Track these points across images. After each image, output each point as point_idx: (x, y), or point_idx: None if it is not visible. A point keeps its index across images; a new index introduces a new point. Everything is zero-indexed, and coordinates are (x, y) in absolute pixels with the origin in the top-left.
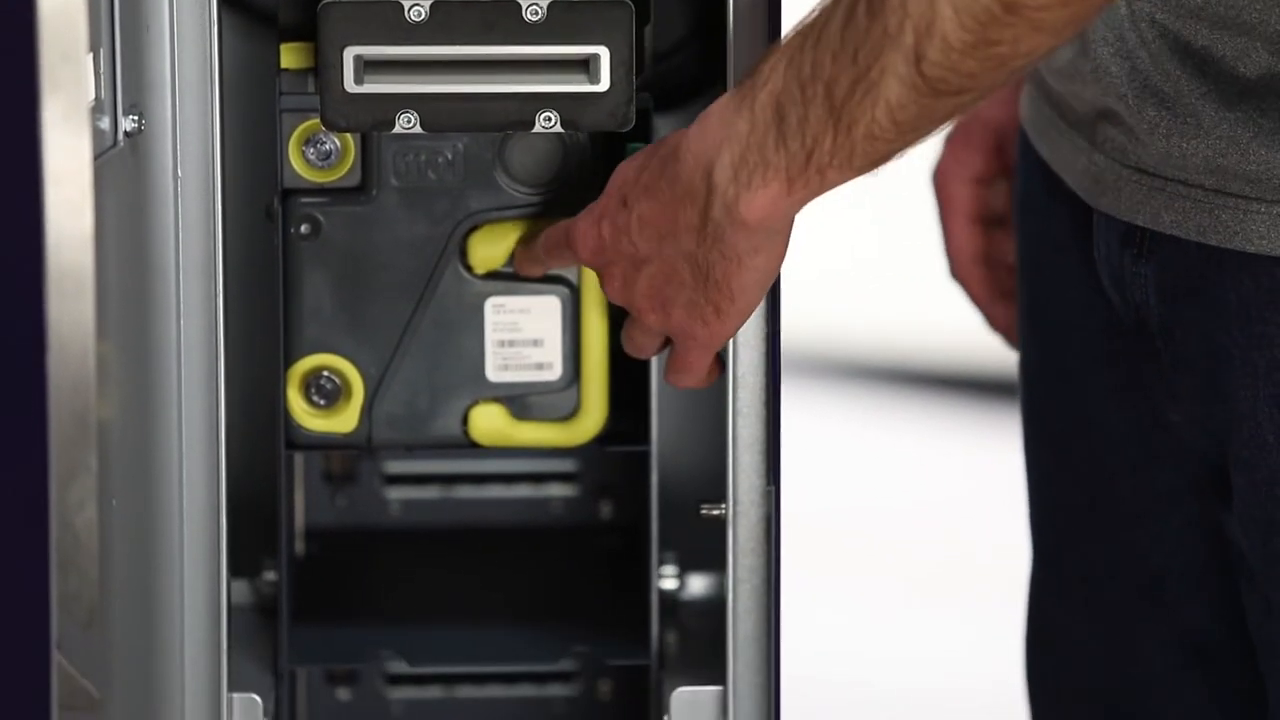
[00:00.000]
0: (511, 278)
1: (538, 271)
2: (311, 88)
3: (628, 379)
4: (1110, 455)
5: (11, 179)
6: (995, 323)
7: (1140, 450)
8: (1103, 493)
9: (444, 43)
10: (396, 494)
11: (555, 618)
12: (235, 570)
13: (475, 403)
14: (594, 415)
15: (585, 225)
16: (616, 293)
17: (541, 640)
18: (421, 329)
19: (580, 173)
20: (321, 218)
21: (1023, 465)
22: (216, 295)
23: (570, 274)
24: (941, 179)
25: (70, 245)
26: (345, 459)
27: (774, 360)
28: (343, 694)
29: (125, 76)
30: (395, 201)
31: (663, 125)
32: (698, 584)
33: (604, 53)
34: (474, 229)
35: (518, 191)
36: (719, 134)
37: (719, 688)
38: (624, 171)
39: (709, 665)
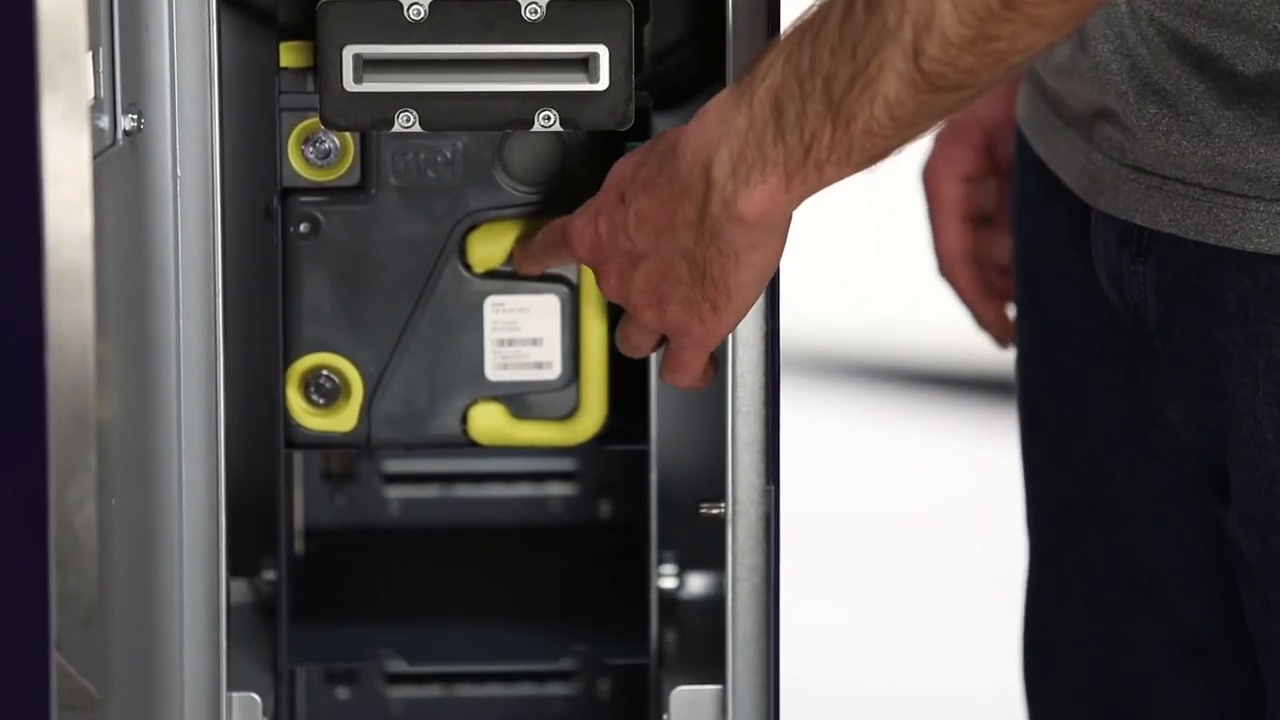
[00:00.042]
0: (511, 276)
1: (536, 270)
2: (311, 86)
3: (627, 378)
4: (1108, 454)
5: (11, 178)
6: (983, 320)
7: (1138, 448)
8: (1101, 491)
9: (443, 41)
10: (396, 493)
11: (554, 617)
12: (235, 569)
13: (474, 402)
14: (593, 414)
15: (582, 222)
16: (613, 290)
17: (541, 639)
18: (421, 328)
19: (579, 172)
20: (321, 216)
21: (1020, 464)
22: (216, 294)
23: (569, 273)
24: (931, 176)
25: (69, 244)
26: (344, 458)
27: (773, 359)
28: (342, 693)
29: (124, 75)
30: (394, 200)
31: (662, 124)
32: (697, 583)
33: (603, 52)
34: (473, 228)
35: (517, 190)
36: (717, 129)
37: (718, 687)
38: (621, 168)
39: (708, 664)
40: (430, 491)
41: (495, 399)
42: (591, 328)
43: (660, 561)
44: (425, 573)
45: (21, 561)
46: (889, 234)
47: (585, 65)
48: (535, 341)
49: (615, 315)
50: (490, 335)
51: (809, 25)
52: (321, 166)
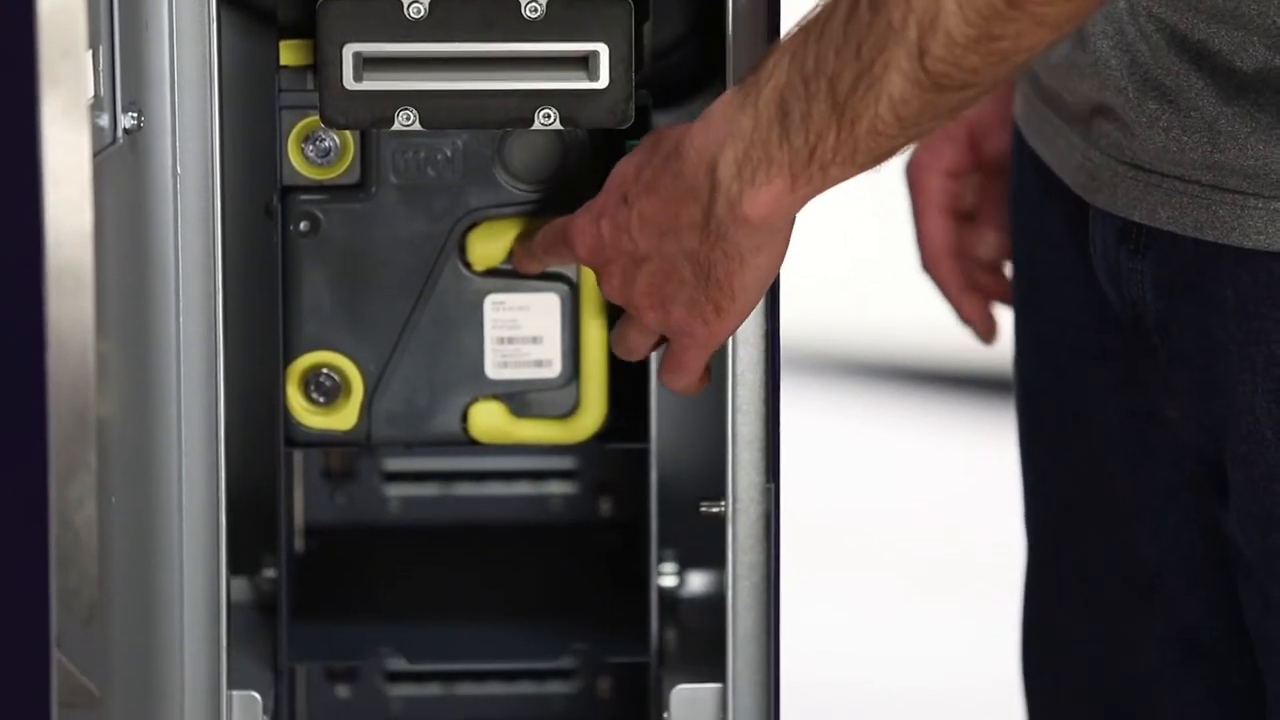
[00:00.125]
0: (511, 275)
1: (536, 269)
2: (311, 85)
3: (627, 376)
4: (1106, 452)
5: (11, 176)
6: (965, 315)
7: (1137, 447)
8: (1099, 489)
9: (443, 40)
10: (396, 491)
11: (555, 615)
12: (235, 567)
13: (475, 400)
14: (593, 412)
15: (583, 223)
16: (615, 291)
17: (541, 637)
18: (421, 326)
19: (579, 170)
20: (321, 215)
21: (1019, 463)
22: (216, 293)
23: (570, 271)
24: (915, 171)
25: (70, 242)
26: (345, 456)
27: (773, 358)
28: (342, 691)
29: (124, 73)
30: (394, 199)
31: (662, 122)
32: (697, 581)
33: (603, 50)
34: (473, 226)
35: (517, 189)
36: (722, 130)
37: (718, 685)
38: (623, 169)
39: (708, 663)
40: (430, 490)
41: (495, 397)
42: (591, 326)
43: (660, 560)
44: (425, 571)
45: (22, 559)
46: (889, 233)
47: (585, 63)
48: (535, 340)
49: (615, 314)
50: (490, 333)
51: (813, 25)
52: (321, 165)
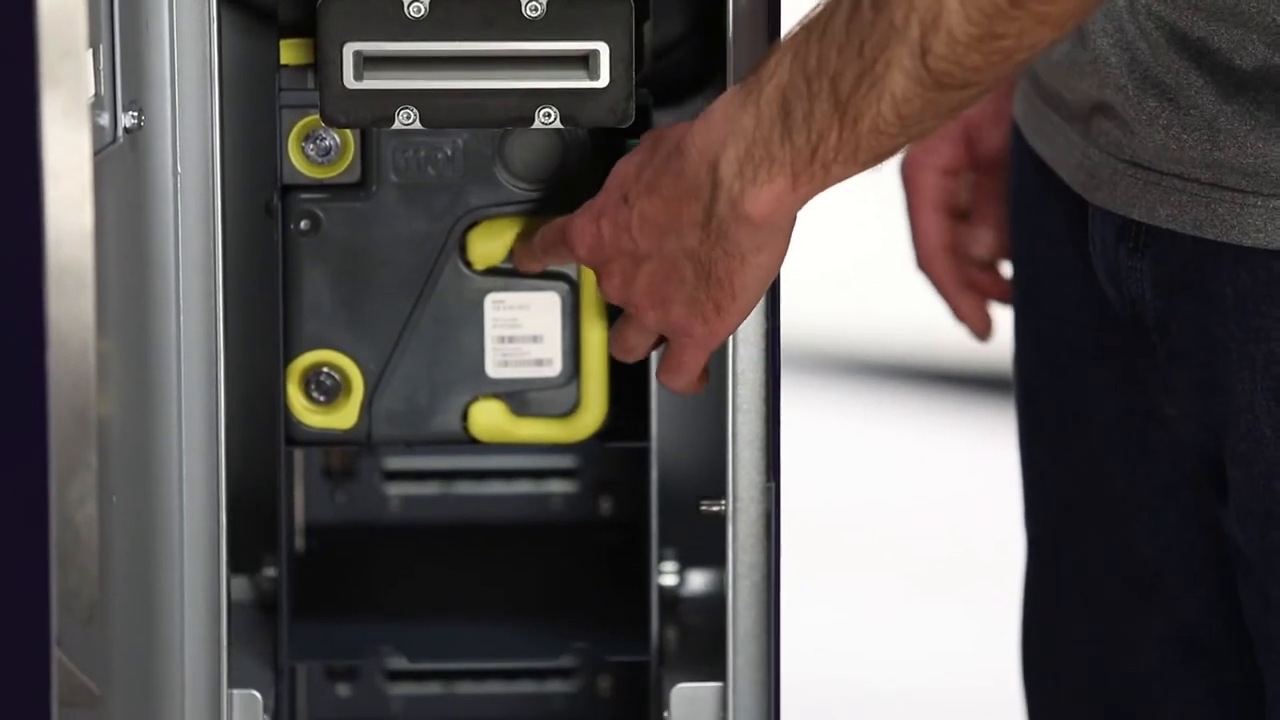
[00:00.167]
0: (511, 274)
1: (536, 268)
2: (311, 84)
3: (627, 375)
4: (1105, 450)
5: (11, 175)
6: (960, 313)
7: (1136, 445)
8: (1098, 488)
9: (443, 39)
10: (396, 490)
11: (555, 614)
12: (235, 566)
13: (475, 399)
14: (594, 411)
15: (583, 223)
16: (615, 290)
17: (541, 636)
18: (421, 325)
19: (580, 169)
20: (321, 214)
21: (1018, 461)
22: (216, 292)
23: (570, 270)
24: (910, 169)
25: (70, 241)
26: (345, 455)
27: (774, 356)
28: (342, 690)
29: (125, 73)
30: (395, 197)
31: (662, 121)
32: (697, 580)
33: (603, 49)
34: (473, 225)
35: (517, 187)
36: (724, 129)
37: (719, 684)
38: (623, 169)
39: (709, 661)
40: (431, 488)
41: (496, 396)
42: (592, 325)
43: (661, 559)
44: (426, 570)
45: (22, 559)
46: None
47: (586, 62)
48: (536, 339)
49: (616, 313)
50: (491, 332)
51: (815, 24)
52: (322, 164)
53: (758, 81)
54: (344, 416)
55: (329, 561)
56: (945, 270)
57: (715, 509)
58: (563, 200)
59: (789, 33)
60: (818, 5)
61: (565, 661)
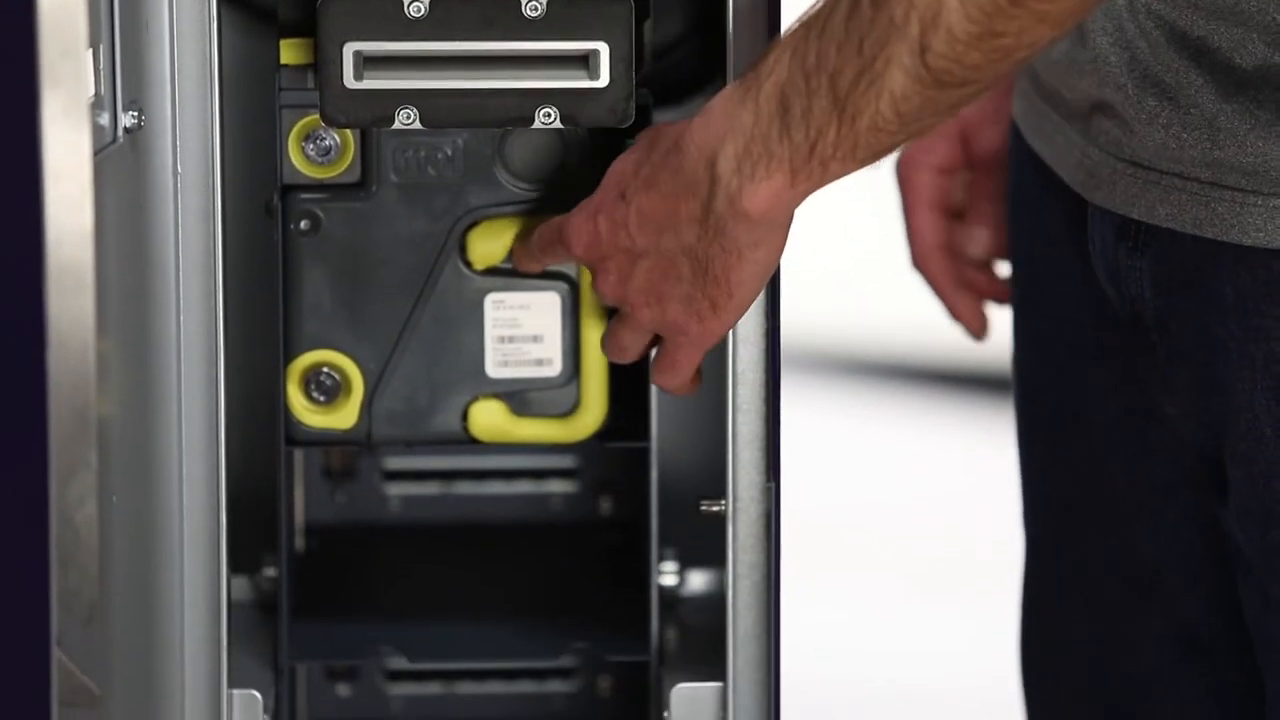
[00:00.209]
0: (511, 274)
1: (535, 268)
2: (311, 84)
3: (627, 375)
4: (1105, 449)
5: (11, 175)
6: (955, 312)
7: (1135, 444)
8: (1098, 487)
9: (444, 39)
10: (396, 490)
11: (555, 614)
12: (235, 566)
13: (475, 399)
14: (594, 411)
15: (579, 220)
16: (611, 288)
17: (541, 636)
18: (421, 325)
19: (580, 169)
20: (321, 214)
21: (1017, 461)
22: (216, 291)
23: (570, 270)
24: (905, 168)
25: (70, 241)
26: (345, 455)
27: (774, 356)
28: (343, 690)
29: (125, 72)
30: (395, 197)
31: (662, 121)
32: (697, 580)
33: (604, 48)
34: (473, 225)
35: (517, 187)
36: (723, 125)
37: (719, 684)
38: (621, 166)
39: (709, 661)
40: (431, 488)
41: (496, 396)
42: (592, 325)
43: (661, 559)
44: (426, 570)
45: (22, 559)
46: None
47: (586, 62)
48: (536, 338)
49: (616, 313)
50: (491, 332)
51: (815, 21)
52: (322, 164)
53: (757, 78)
54: (344, 416)
55: (329, 561)
56: (940, 269)
57: (715, 509)
58: (563, 200)
59: (788, 29)
60: (817, 2)
61: (565, 661)
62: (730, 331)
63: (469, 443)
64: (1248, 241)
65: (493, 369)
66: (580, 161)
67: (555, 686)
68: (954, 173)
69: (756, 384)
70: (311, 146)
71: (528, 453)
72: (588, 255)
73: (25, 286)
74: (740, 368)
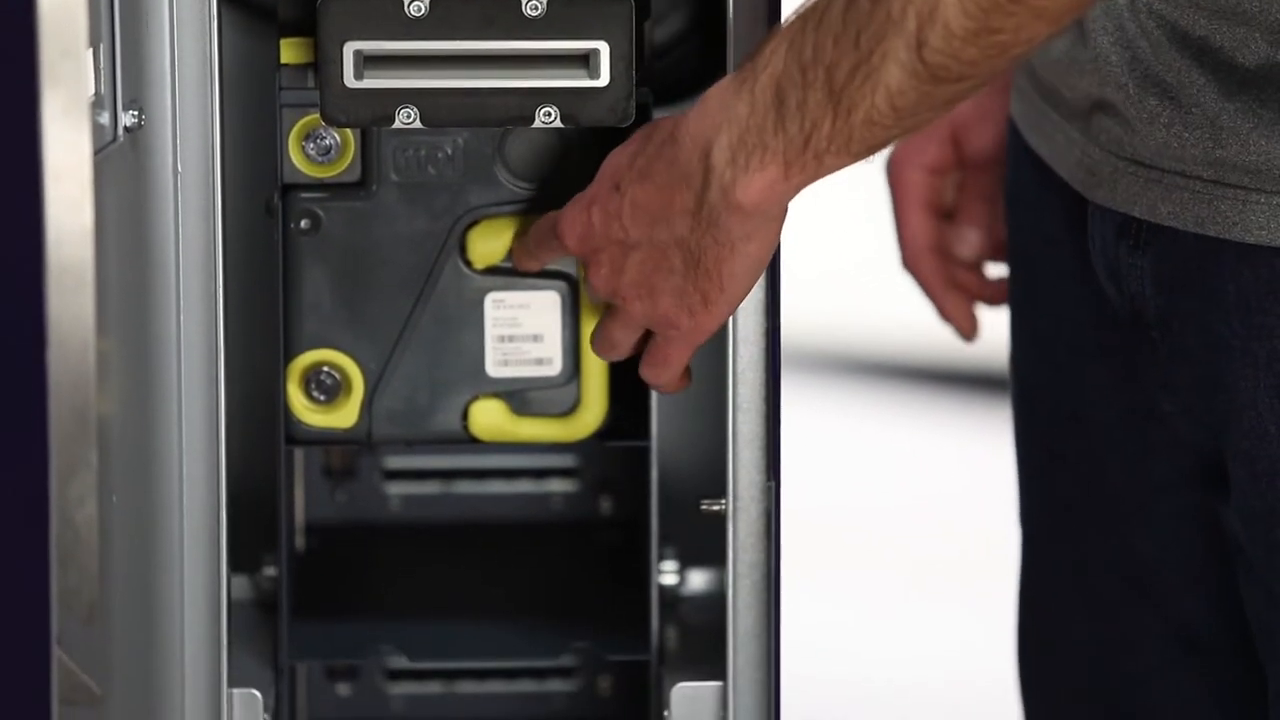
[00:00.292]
0: (511, 273)
1: (534, 266)
2: (311, 83)
3: (627, 374)
4: (1104, 448)
5: (11, 174)
6: (946, 313)
7: (1135, 443)
8: (1097, 486)
9: (444, 38)
10: (396, 489)
11: (555, 613)
12: (235, 565)
13: (475, 398)
14: (594, 410)
15: (574, 212)
16: (603, 281)
17: (541, 635)
18: (421, 324)
19: (580, 168)
20: (321, 213)
21: (1014, 460)
22: (216, 291)
23: (570, 268)
24: (896, 168)
25: (70, 241)
26: (345, 454)
27: (774, 355)
28: (343, 689)
29: (125, 72)
30: (395, 197)
31: None
32: (698, 579)
33: (604, 48)
34: (474, 224)
35: (517, 187)
36: (718, 116)
37: (719, 683)
38: (616, 158)
39: (709, 660)
40: (431, 488)
41: (496, 395)
42: (592, 324)
43: (661, 558)
44: (426, 569)
45: (22, 558)
46: (890, 230)
47: (586, 61)
48: (536, 338)
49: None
50: (491, 331)
51: (812, 13)
52: (322, 163)
53: (753, 70)
54: (344, 416)
55: (329, 561)
56: (931, 270)
57: (715, 508)
58: (563, 200)
59: (786, 22)
60: None
61: (565, 661)
62: (730, 331)
63: (469, 442)
64: (1250, 239)
65: (493, 368)
66: (580, 161)
67: (555, 686)
68: (945, 173)
69: (757, 383)
70: (312, 146)
71: (528, 452)
72: (581, 247)
73: (25, 286)
74: (740, 367)
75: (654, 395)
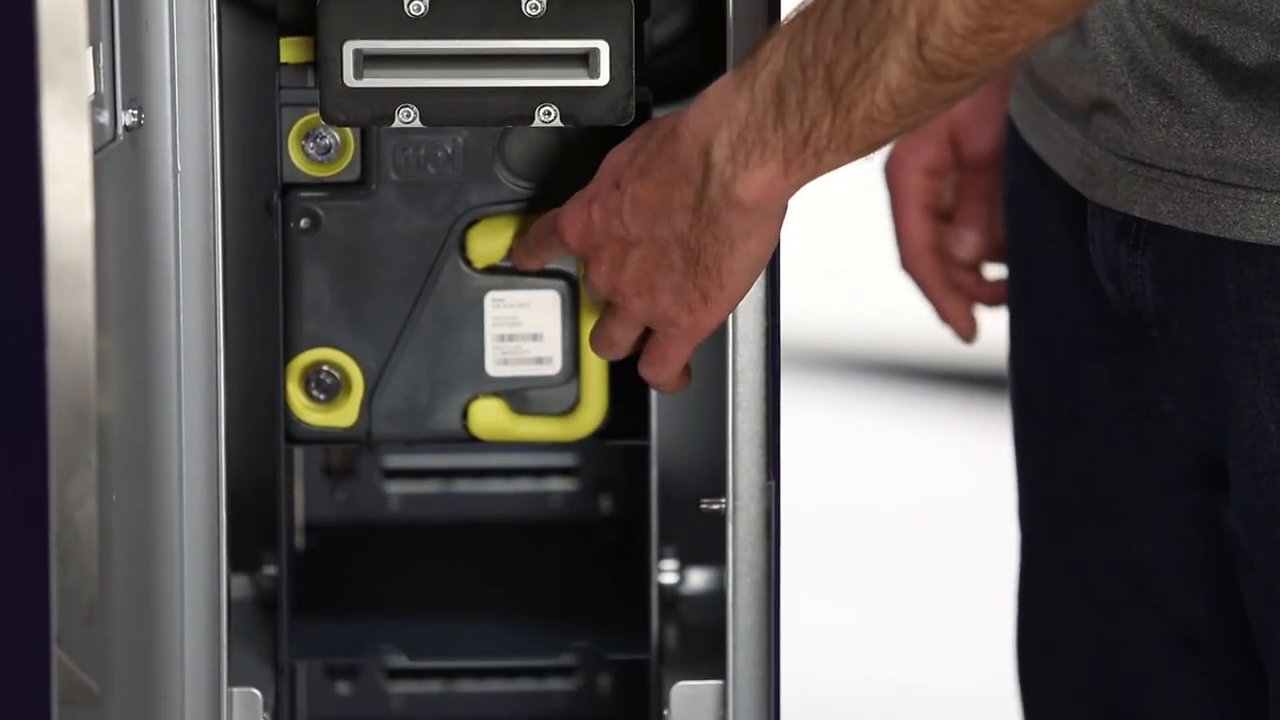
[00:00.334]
0: (511, 272)
1: (533, 265)
2: (311, 82)
3: (627, 373)
4: (1103, 447)
5: (11, 174)
6: (945, 314)
7: (1134, 442)
8: (1096, 485)
9: (444, 37)
10: (396, 488)
11: (555, 612)
12: (235, 565)
13: (475, 397)
14: (594, 409)
15: (574, 210)
16: (603, 278)
17: (541, 635)
18: (421, 323)
19: (580, 167)
20: (321, 212)
21: (1013, 459)
22: (216, 290)
23: (570, 267)
24: (894, 169)
25: (70, 240)
26: (345, 453)
27: (774, 355)
28: (343, 688)
29: (125, 71)
30: (395, 196)
31: None
32: (698, 578)
33: (604, 47)
34: (473, 223)
35: (517, 185)
36: (718, 113)
37: (719, 682)
38: (617, 156)
39: (709, 660)
40: (431, 487)
41: (496, 394)
42: (591, 323)
43: (661, 557)
44: (426, 568)
45: (22, 558)
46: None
47: (586, 60)
48: (536, 337)
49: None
50: (491, 330)
51: (812, 10)
52: (322, 162)
53: (753, 67)
54: (344, 415)
55: (329, 560)
56: (930, 272)
57: (715, 507)
58: (562, 199)
59: (786, 19)
60: None
61: (565, 660)
62: (730, 330)
63: (469, 441)
64: (1250, 238)
65: (493, 367)
66: (580, 160)
67: (555, 685)
68: (943, 174)
69: (756, 382)
70: (311, 145)
71: (528, 451)
72: (581, 244)
73: (25, 285)
74: (740, 366)
75: (654, 394)
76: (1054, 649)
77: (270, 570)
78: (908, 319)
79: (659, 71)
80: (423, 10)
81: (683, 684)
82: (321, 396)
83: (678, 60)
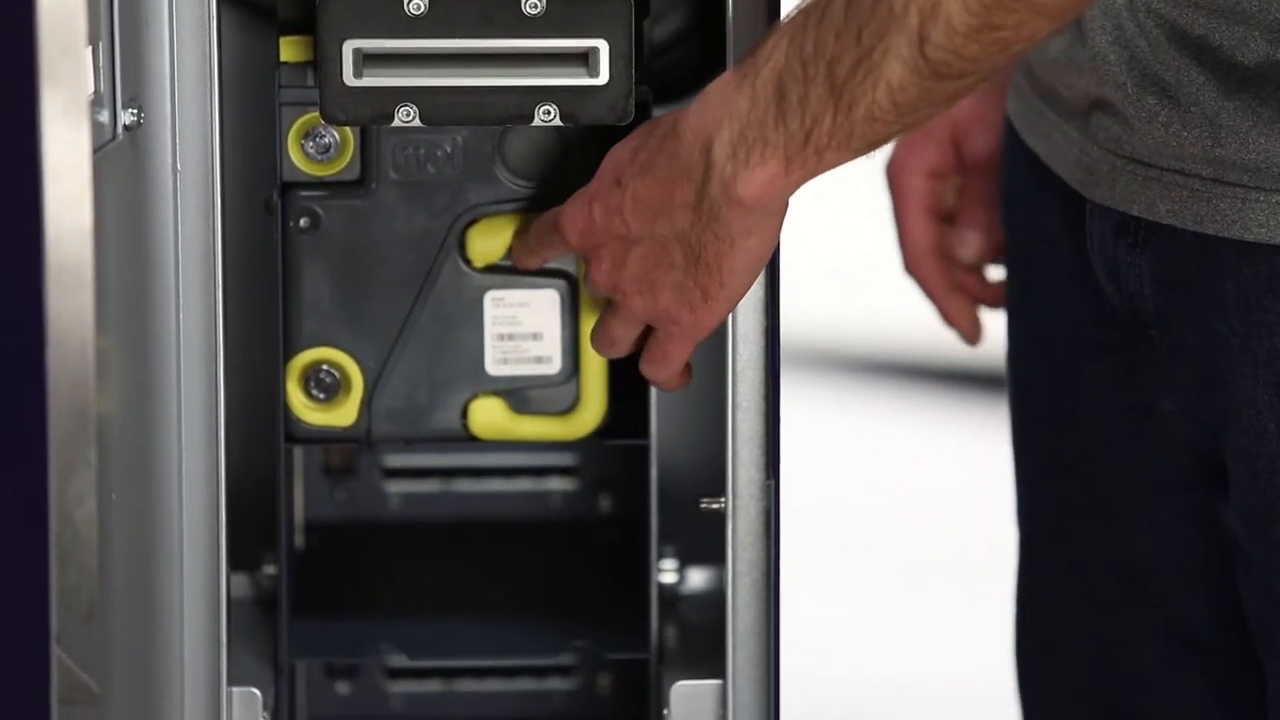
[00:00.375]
0: (511, 271)
1: (533, 264)
2: (311, 81)
3: (627, 373)
4: (1102, 447)
5: (11, 173)
6: (949, 316)
7: (1133, 441)
8: (1095, 485)
9: (443, 36)
10: (396, 488)
11: (554, 612)
12: (235, 564)
13: (475, 396)
14: (593, 409)
15: (575, 208)
16: (604, 276)
17: (541, 634)
18: (421, 323)
19: (579, 166)
20: (321, 211)
21: (1012, 459)
22: (216, 289)
23: (570, 267)
24: (896, 171)
25: (69, 239)
26: (345, 452)
27: (773, 354)
28: (342, 688)
29: (124, 70)
30: (394, 195)
31: None
32: (697, 578)
33: (603, 46)
34: (473, 222)
35: (517, 185)
36: (719, 110)
37: (718, 681)
38: (617, 154)
39: (708, 659)
40: (430, 486)
41: (495, 394)
42: (591, 322)
43: (660, 556)
44: (425, 567)
45: (22, 557)
46: (889, 228)
47: (585, 60)
48: (535, 336)
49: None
50: (490, 330)
51: (813, 8)
52: (321, 161)
53: (754, 64)
54: (344, 414)
55: (329, 559)
56: (933, 273)
57: (715, 506)
58: (562, 198)
59: (787, 17)
60: None
61: (565, 659)
62: (730, 329)
63: (468, 440)
64: (1249, 237)
65: (492, 366)
66: (580, 159)
67: (555, 684)
68: (945, 176)
69: (756, 381)
70: (311, 144)
71: (527, 450)
72: (582, 242)
73: (25, 285)
74: (740, 365)
75: (653, 393)
76: (1053, 649)
77: (270, 569)
78: (907, 319)
79: (659, 70)
80: (422, 9)
81: (682, 683)
82: (321, 396)
83: (678, 59)
